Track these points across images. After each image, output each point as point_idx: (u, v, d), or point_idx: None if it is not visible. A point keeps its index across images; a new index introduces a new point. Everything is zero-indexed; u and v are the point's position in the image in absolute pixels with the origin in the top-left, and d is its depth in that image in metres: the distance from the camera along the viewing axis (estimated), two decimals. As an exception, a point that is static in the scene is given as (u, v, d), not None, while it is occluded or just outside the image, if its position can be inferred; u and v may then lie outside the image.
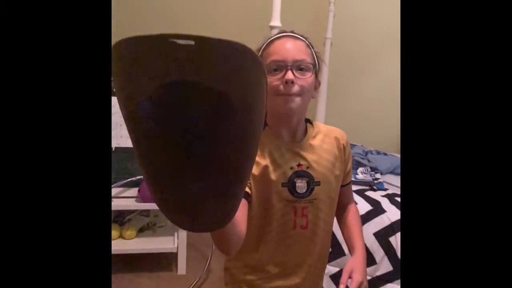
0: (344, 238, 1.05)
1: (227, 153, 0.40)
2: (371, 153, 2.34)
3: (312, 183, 0.92)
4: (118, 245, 2.11)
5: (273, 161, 0.90)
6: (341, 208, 1.07)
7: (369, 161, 2.21)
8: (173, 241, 2.18)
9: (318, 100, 2.34)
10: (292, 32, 0.90)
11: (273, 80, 0.86)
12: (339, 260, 1.69)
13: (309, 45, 0.90)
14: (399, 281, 1.65)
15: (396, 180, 2.10)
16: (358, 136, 2.41)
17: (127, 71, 0.37)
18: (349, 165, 1.02)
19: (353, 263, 0.92)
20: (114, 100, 2.20)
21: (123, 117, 0.40)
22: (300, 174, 0.92)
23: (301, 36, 0.90)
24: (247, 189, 0.84)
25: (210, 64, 0.36)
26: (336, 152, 0.97)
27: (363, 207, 1.74)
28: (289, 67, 0.84)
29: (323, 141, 0.97)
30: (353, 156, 2.14)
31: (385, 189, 1.96)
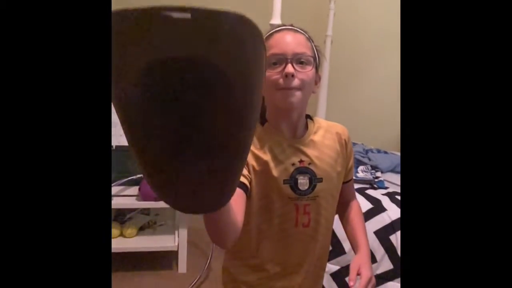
0: (347, 235, 1.03)
1: (224, 131, 0.38)
2: (372, 152, 2.34)
3: (314, 179, 0.90)
4: (119, 244, 2.11)
5: (274, 157, 0.88)
6: (344, 205, 1.05)
7: (369, 159, 2.21)
8: (173, 240, 2.19)
9: (318, 98, 2.34)
10: (291, 25, 0.88)
11: (273, 74, 0.84)
12: (339, 259, 1.69)
13: (309, 39, 0.88)
14: (399, 279, 1.65)
15: (396, 179, 2.10)
16: (358, 134, 2.41)
17: (117, 47, 0.34)
18: (351, 161, 1.00)
19: (360, 260, 0.91)
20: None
21: (114, 101, 0.37)
22: (302, 170, 0.90)
23: (300, 29, 0.88)
24: (245, 181, 0.82)
25: (206, 38, 0.33)
26: (338, 148, 0.96)
27: (364, 205, 1.74)
28: (289, 60, 0.82)
29: (325, 136, 0.95)
30: (353, 154, 2.14)
31: (386, 188, 1.96)
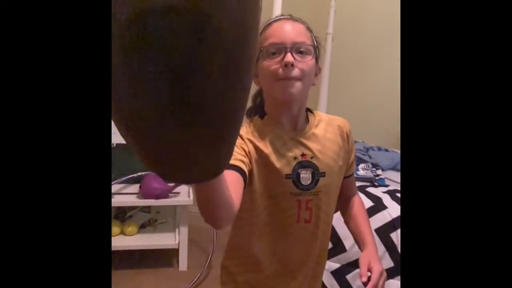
0: (352, 232, 1.00)
1: (217, 89, 0.35)
2: (372, 149, 2.34)
3: (317, 174, 0.87)
4: (119, 242, 2.12)
5: (276, 151, 0.85)
6: (345, 200, 1.02)
7: (370, 157, 2.21)
8: (174, 238, 2.19)
9: (319, 96, 2.34)
10: (290, 15, 0.86)
11: (271, 64, 0.81)
12: (340, 256, 1.69)
13: (309, 29, 0.86)
14: (400, 277, 1.65)
15: (397, 176, 2.10)
16: (359, 132, 2.41)
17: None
18: (353, 155, 0.98)
19: (368, 255, 0.88)
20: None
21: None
22: (304, 164, 0.86)
23: (300, 19, 0.86)
24: (244, 168, 0.78)
25: None
26: (339, 141, 0.93)
27: (364, 203, 1.73)
28: (288, 50, 0.79)
29: (326, 130, 0.92)
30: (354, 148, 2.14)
31: (386, 185, 1.96)
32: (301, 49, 0.81)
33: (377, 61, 2.59)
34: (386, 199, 1.77)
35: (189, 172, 0.40)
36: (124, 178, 2.11)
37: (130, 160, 2.16)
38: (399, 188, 1.91)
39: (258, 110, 0.92)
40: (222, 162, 0.41)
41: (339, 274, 1.69)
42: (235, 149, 0.78)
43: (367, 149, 2.32)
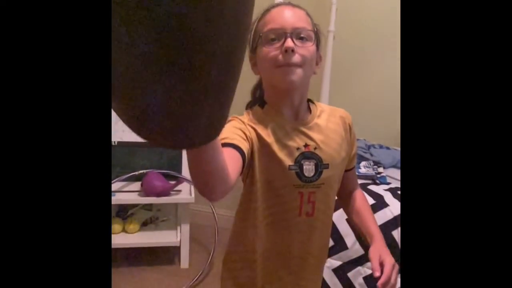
0: (356, 226, 0.97)
1: (209, 35, 0.30)
2: (374, 147, 2.34)
3: (320, 165, 0.84)
4: (121, 239, 2.12)
5: (278, 140, 0.82)
6: (347, 194, 1.00)
7: (371, 155, 2.20)
8: (176, 235, 2.19)
9: (321, 93, 2.33)
10: (289, 2, 0.83)
11: (271, 50, 0.78)
12: (341, 254, 1.69)
13: (309, 15, 0.83)
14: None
15: (398, 174, 2.09)
16: (361, 130, 2.40)
17: None
18: (355, 148, 0.96)
19: (378, 248, 0.86)
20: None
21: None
22: (308, 155, 0.83)
23: (299, 6, 0.83)
24: (242, 147, 0.74)
25: None
26: (342, 132, 0.90)
27: (366, 201, 1.74)
28: (288, 35, 0.77)
29: (329, 120, 0.89)
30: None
31: (388, 183, 1.96)
32: (302, 35, 0.79)
33: (379, 59, 2.58)
34: (388, 197, 1.77)
35: (182, 135, 0.36)
36: (125, 176, 2.11)
37: (131, 158, 2.16)
38: (401, 186, 1.91)
39: (258, 102, 0.90)
40: (216, 124, 0.38)
41: (341, 272, 1.69)
42: (236, 131, 0.77)
43: (369, 147, 2.32)
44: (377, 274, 0.79)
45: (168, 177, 2.12)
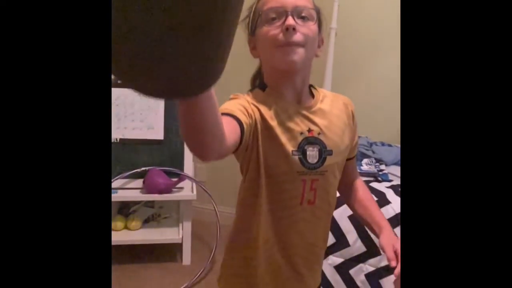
0: (360, 216, 0.94)
1: None
2: (376, 145, 2.33)
3: (324, 152, 0.81)
4: (123, 236, 2.13)
5: (281, 123, 0.78)
6: (349, 184, 0.97)
7: (373, 152, 2.20)
8: (177, 232, 2.20)
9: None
10: None
11: (271, 29, 0.75)
12: (343, 251, 1.69)
13: None
14: (403, 272, 1.65)
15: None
16: (363, 127, 2.40)
17: None
18: (356, 136, 0.93)
19: (389, 237, 0.83)
20: (119, 92, 2.18)
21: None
22: (311, 141, 0.80)
23: None
24: (242, 119, 0.70)
25: None
26: (345, 119, 0.87)
27: (368, 198, 1.73)
28: (289, 13, 0.73)
29: (332, 105, 0.86)
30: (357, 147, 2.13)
31: (390, 180, 1.95)
32: (303, 14, 0.76)
33: (382, 56, 2.58)
34: (390, 194, 1.77)
35: (175, 81, 0.33)
36: (128, 173, 2.11)
37: (134, 155, 2.16)
38: (403, 183, 1.90)
39: (259, 82, 0.87)
40: (210, 72, 0.35)
41: (343, 269, 1.69)
42: (238, 106, 0.74)
43: (371, 144, 2.32)
44: (393, 264, 0.76)
45: (170, 174, 2.13)
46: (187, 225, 2.16)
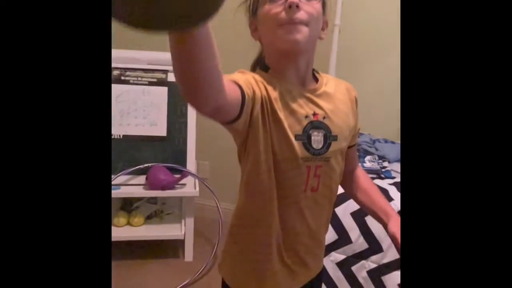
0: (364, 204, 0.92)
1: None
2: (379, 142, 2.33)
3: (329, 137, 0.78)
4: (126, 232, 2.13)
5: (285, 105, 0.75)
6: (350, 173, 0.95)
7: (376, 149, 2.20)
8: (180, 229, 2.20)
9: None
10: None
11: (273, 7, 0.71)
12: (345, 248, 1.69)
13: None
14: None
15: (403, 169, 2.09)
16: (366, 124, 2.39)
17: None
18: (358, 124, 0.91)
19: (398, 225, 0.80)
20: (122, 89, 2.18)
21: None
22: (316, 125, 0.77)
23: None
24: (243, 88, 0.67)
25: None
26: (348, 103, 0.85)
27: (370, 195, 1.73)
28: None
29: (336, 90, 0.83)
30: (360, 144, 2.13)
31: (393, 177, 1.95)
32: None
33: (385, 54, 2.57)
34: (393, 191, 1.77)
35: (174, 5, 0.31)
36: (130, 170, 2.11)
37: (136, 151, 2.17)
38: (406, 180, 1.90)
39: (260, 64, 0.84)
40: (204, 8, 0.32)
41: (345, 266, 1.69)
42: (244, 79, 0.70)
43: (374, 141, 2.31)
44: None
45: (173, 170, 2.13)
46: (190, 222, 2.16)
